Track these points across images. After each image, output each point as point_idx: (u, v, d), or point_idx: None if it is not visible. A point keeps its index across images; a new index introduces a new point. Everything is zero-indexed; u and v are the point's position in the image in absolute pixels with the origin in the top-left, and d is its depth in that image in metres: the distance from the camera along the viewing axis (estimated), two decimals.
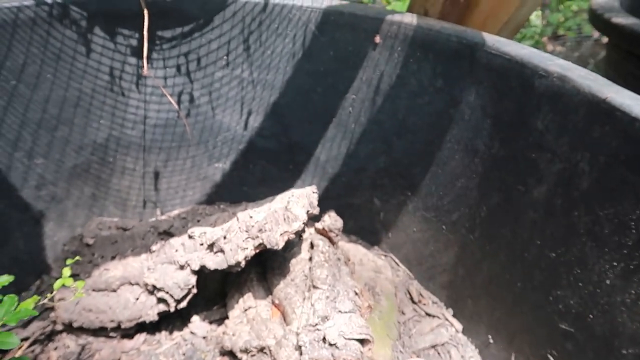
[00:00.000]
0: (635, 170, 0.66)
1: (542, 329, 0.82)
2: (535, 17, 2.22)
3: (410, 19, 1.03)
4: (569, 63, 0.81)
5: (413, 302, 1.12)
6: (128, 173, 1.23)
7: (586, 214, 0.73)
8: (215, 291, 1.07)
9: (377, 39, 1.06)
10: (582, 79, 0.75)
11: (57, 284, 0.82)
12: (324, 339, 0.81)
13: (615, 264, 0.68)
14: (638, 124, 0.66)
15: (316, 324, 0.84)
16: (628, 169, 0.67)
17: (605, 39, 1.85)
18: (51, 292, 0.88)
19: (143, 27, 1.06)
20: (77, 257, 0.96)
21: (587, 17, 1.56)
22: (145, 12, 1.05)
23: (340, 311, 0.86)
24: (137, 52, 1.12)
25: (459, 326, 1.05)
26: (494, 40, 0.92)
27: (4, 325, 0.67)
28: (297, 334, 0.84)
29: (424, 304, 1.11)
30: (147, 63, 1.12)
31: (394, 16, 1.04)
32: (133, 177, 1.23)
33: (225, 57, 1.16)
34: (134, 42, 1.11)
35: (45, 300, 0.82)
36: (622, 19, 1.26)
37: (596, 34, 2.31)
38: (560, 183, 0.77)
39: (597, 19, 1.38)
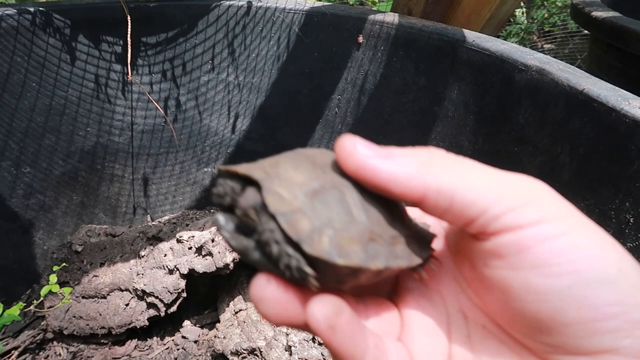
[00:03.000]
0: (613, 160, 0.67)
1: None
2: (520, 14, 2.23)
3: (392, 18, 1.04)
4: (548, 57, 0.82)
5: None
6: (117, 180, 1.22)
7: None
8: (206, 295, 1.07)
9: (360, 39, 1.07)
10: (560, 71, 0.76)
11: (44, 290, 0.82)
12: (313, 339, 0.81)
13: None
14: (615, 114, 0.66)
15: None
16: (606, 159, 0.67)
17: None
18: (38, 300, 0.88)
19: (126, 34, 1.06)
20: (64, 264, 0.96)
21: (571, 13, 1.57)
22: (128, 18, 1.05)
23: None
24: (121, 59, 1.12)
25: None
26: (474, 37, 0.93)
27: None
28: (287, 335, 0.84)
29: None
30: (132, 69, 1.13)
31: (376, 16, 1.05)
32: (122, 184, 1.23)
33: (210, 62, 1.17)
34: (118, 49, 1.12)
35: (32, 307, 0.82)
36: (602, 13, 1.27)
37: (585, 30, 2.32)
38: (542, 175, 0.78)
39: (579, 13, 1.40)
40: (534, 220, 0.23)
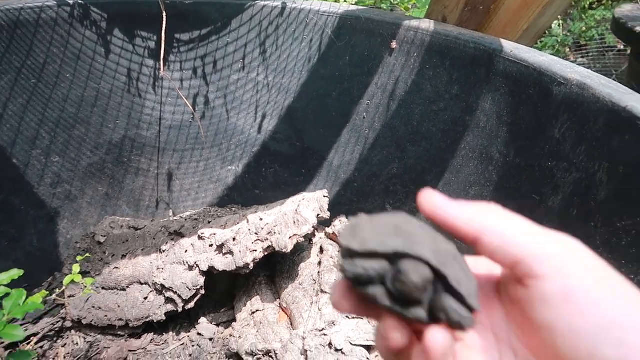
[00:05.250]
0: None
1: None
2: (557, 26, 2.18)
3: (428, 25, 1.03)
4: (589, 71, 0.80)
5: None
6: (142, 174, 1.23)
7: (603, 225, 0.71)
8: (223, 293, 1.07)
9: (394, 45, 1.06)
10: (602, 87, 0.74)
11: (67, 280, 0.82)
12: (330, 344, 0.80)
13: (632, 276, 0.66)
14: None
15: (323, 329, 0.83)
16: None
17: (628, 50, 1.81)
18: (61, 288, 0.89)
19: (161, 30, 1.07)
20: (87, 255, 0.97)
21: (610, 27, 1.53)
22: (164, 14, 1.06)
23: (347, 317, 0.85)
24: (154, 54, 1.13)
25: None
26: (512, 47, 0.90)
27: (14, 319, 0.67)
28: (304, 339, 0.83)
29: None
30: (164, 65, 1.14)
31: (411, 22, 1.04)
32: (147, 177, 1.24)
33: (241, 61, 1.17)
34: (152, 44, 1.13)
35: (54, 296, 0.83)
36: None
37: (620, 45, 2.26)
38: (576, 193, 0.75)
39: (621, 28, 1.35)
40: (577, 270, 0.27)
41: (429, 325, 0.29)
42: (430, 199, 0.32)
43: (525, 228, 0.30)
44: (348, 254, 0.29)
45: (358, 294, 0.30)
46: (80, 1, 1.04)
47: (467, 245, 0.32)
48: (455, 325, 0.29)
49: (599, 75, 0.79)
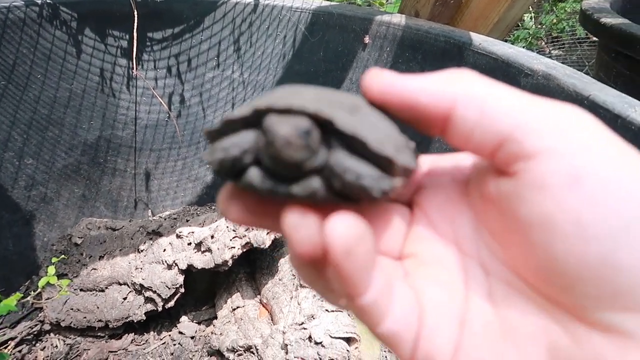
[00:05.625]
0: None
1: None
2: (529, 19, 2.22)
3: (399, 19, 1.04)
4: (554, 62, 0.82)
5: None
6: (119, 174, 1.23)
7: None
8: (204, 291, 1.07)
9: (367, 40, 1.07)
10: (566, 77, 0.76)
11: (42, 282, 0.82)
12: (309, 338, 0.81)
13: None
14: (621, 121, 0.66)
15: (302, 323, 0.84)
16: None
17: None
18: (36, 291, 0.88)
19: (133, 28, 1.06)
20: (63, 256, 0.96)
21: (578, 19, 1.56)
22: (135, 13, 1.05)
23: (326, 310, 0.86)
24: (127, 53, 1.13)
25: None
26: (481, 40, 0.92)
27: None
28: (284, 333, 0.84)
29: None
30: (138, 64, 1.13)
31: (383, 17, 1.05)
32: (124, 178, 1.23)
33: (215, 58, 1.17)
34: (124, 44, 1.12)
35: (29, 298, 0.82)
36: (611, 19, 1.26)
37: (593, 37, 2.31)
38: None
39: (587, 19, 1.39)
40: (585, 143, 0.20)
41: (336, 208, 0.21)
42: (380, 75, 0.24)
43: (513, 95, 0.22)
44: (209, 137, 0.23)
45: (241, 190, 0.22)
46: (48, 1, 1.03)
47: (435, 133, 0.24)
48: (362, 195, 0.21)
49: (564, 66, 0.81)
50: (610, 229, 0.19)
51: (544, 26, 2.25)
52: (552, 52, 2.40)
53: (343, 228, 0.20)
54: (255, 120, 0.21)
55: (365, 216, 0.23)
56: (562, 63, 0.85)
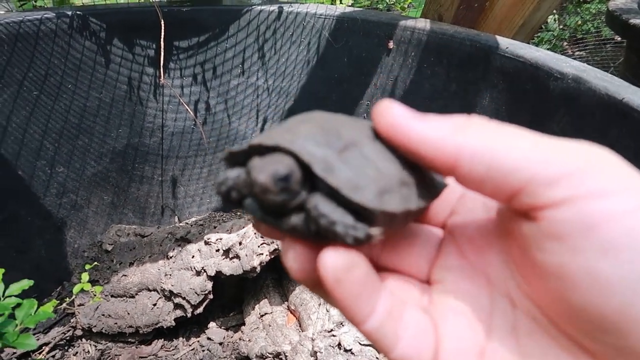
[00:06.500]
0: None
1: None
2: (552, 21, 2.19)
3: (424, 24, 1.03)
4: (585, 65, 0.81)
5: None
6: (146, 181, 1.25)
7: None
8: (232, 297, 1.08)
9: (390, 45, 1.07)
10: (598, 80, 0.75)
11: (76, 288, 0.83)
12: (339, 345, 0.81)
13: None
14: None
15: (331, 330, 0.84)
16: None
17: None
18: (71, 298, 0.90)
19: (160, 38, 1.08)
20: (96, 263, 0.98)
21: (605, 20, 1.53)
22: (162, 22, 1.07)
23: None
24: (154, 62, 1.14)
25: None
26: (507, 44, 0.91)
27: (26, 329, 0.68)
28: (313, 340, 0.84)
29: None
30: (164, 72, 1.15)
31: (407, 21, 1.05)
32: (151, 185, 1.25)
33: (240, 65, 1.18)
34: (151, 53, 1.14)
35: (64, 305, 0.84)
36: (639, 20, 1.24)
37: (617, 38, 2.27)
38: None
39: (615, 20, 1.36)
40: (600, 190, 0.19)
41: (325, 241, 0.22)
42: (387, 111, 0.23)
43: (522, 143, 0.21)
44: (225, 164, 0.25)
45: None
46: (78, 12, 1.05)
47: (444, 176, 0.24)
48: (337, 239, 0.21)
49: (594, 68, 0.80)
50: (627, 281, 0.18)
51: (569, 28, 2.22)
52: (576, 53, 2.37)
53: (332, 259, 0.21)
54: (250, 154, 0.23)
55: (392, 237, 0.24)
56: (586, 64, 0.83)
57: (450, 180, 0.27)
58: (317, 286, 0.23)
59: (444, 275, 0.26)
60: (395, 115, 0.23)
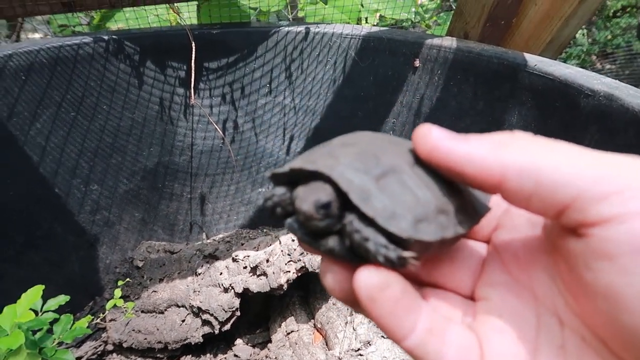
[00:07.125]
0: None
1: None
2: (581, 36, 2.16)
3: (450, 42, 1.04)
4: (616, 81, 0.79)
5: None
6: (175, 198, 1.27)
7: None
8: (258, 314, 1.08)
9: (417, 63, 1.07)
10: (630, 97, 0.73)
11: (109, 304, 0.85)
12: None
13: None
14: None
15: (359, 349, 0.83)
16: None
17: None
18: (103, 313, 0.92)
19: (190, 59, 1.11)
20: (128, 279, 1.00)
21: (636, 34, 1.51)
22: (193, 44, 1.10)
23: (383, 336, 0.85)
24: (185, 83, 1.18)
25: None
26: (536, 61, 0.91)
27: (60, 343, 0.70)
28: (340, 359, 0.83)
29: None
30: (194, 93, 1.18)
31: (433, 40, 1.05)
32: (180, 202, 1.28)
33: (267, 85, 1.20)
34: (182, 74, 1.17)
35: (98, 320, 0.86)
36: None
37: None
38: None
39: None
40: None
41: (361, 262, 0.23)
42: (427, 135, 0.24)
43: (570, 158, 0.20)
44: (272, 182, 0.26)
45: None
46: (114, 36, 1.09)
47: (490, 194, 0.24)
48: (370, 257, 0.22)
49: (628, 85, 0.78)
50: None
51: (598, 43, 2.19)
52: (605, 67, 2.33)
53: (365, 278, 0.22)
54: (292, 175, 0.25)
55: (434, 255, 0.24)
56: (615, 78, 0.82)
57: (494, 197, 0.27)
58: (357, 305, 0.24)
59: (488, 291, 0.26)
60: (435, 139, 0.23)
